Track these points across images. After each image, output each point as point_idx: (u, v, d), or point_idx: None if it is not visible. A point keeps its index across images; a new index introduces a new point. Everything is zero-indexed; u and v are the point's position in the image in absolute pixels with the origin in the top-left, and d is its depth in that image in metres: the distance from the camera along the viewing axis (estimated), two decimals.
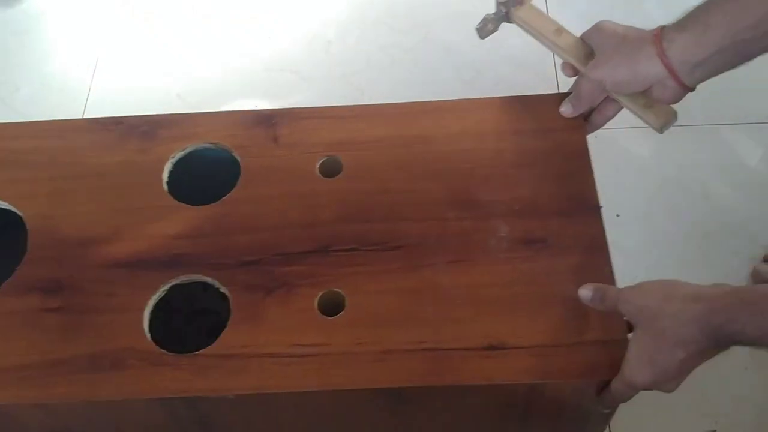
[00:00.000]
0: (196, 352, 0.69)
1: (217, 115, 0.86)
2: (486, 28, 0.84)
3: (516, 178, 0.78)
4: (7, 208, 0.80)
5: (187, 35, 1.59)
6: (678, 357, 0.60)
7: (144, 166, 0.82)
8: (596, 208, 0.76)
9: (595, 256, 0.73)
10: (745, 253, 1.21)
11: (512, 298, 0.71)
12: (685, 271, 1.19)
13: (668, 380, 0.63)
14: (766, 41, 0.69)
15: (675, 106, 0.77)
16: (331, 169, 0.81)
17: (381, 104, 0.86)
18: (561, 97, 0.83)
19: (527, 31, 0.83)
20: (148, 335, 0.71)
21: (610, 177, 1.30)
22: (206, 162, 0.84)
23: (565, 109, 0.81)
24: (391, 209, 0.77)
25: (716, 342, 0.60)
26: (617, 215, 1.26)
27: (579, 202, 0.76)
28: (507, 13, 0.83)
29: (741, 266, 1.19)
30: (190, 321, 0.90)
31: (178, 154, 0.83)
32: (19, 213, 0.79)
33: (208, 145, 0.83)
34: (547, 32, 0.82)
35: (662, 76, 0.72)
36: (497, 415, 0.75)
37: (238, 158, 0.82)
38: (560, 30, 0.82)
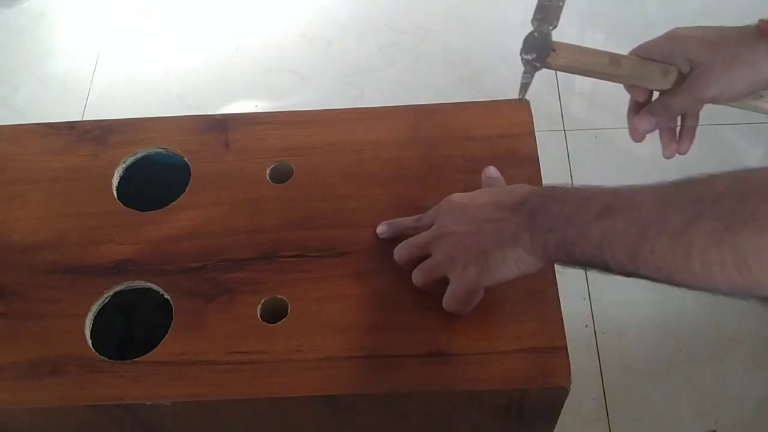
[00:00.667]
0: (135, 359, 0.69)
1: (169, 119, 0.86)
2: (526, 89, 0.76)
3: (465, 185, 0.78)
4: None
5: (187, 36, 1.60)
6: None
7: (94, 171, 0.82)
8: None
9: None
10: None
11: None
12: None
13: None
14: None
15: None
16: (281, 175, 0.81)
17: (335, 109, 0.86)
18: (516, 103, 0.82)
19: (576, 72, 0.74)
20: (90, 342, 0.71)
21: (610, 177, 1.30)
22: (158, 167, 0.84)
23: (647, 126, 0.74)
24: (339, 215, 0.77)
25: None
26: None
27: None
28: (540, 66, 0.74)
29: None
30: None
31: (129, 159, 0.83)
32: None
33: (159, 150, 0.83)
34: (600, 68, 0.72)
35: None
36: (440, 421, 0.74)
37: (189, 163, 0.81)
38: (615, 58, 0.72)
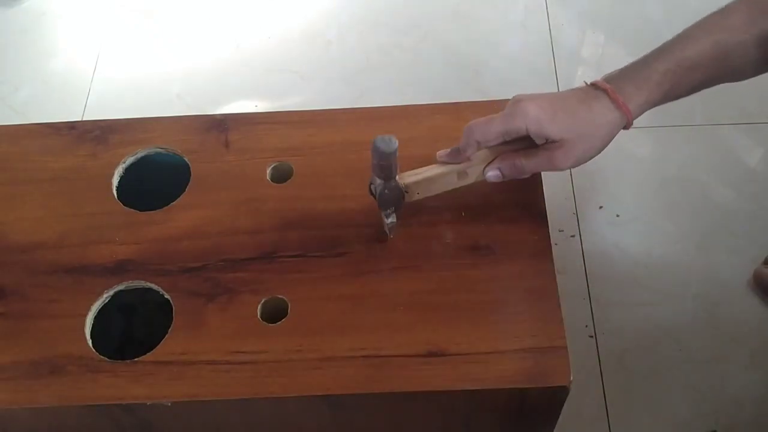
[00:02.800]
0: (135, 359, 0.69)
1: (169, 119, 0.86)
2: (394, 228, 0.74)
3: (464, 186, 0.78)
4: None
5: (187, 36, 1.60)
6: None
7: (95, 171, 0.82)
8: (542, 215, 0.75)
9: (539, 262, 0.72)
10: (745, 253, 1.20)
11: (454, 305, 0.70)
12: (686, 271, 1.20)
13: None
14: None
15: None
16: (281, 175, 0.81)
17: (335, 109, 0.86)
18: None
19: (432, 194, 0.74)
20: (90, 341, 0.71)
21: (610, 177, 1.31)
22: (158, 167, 0.84)
23: (493, 179, 0.72)
24: (339, 215, 0.77)
25: None
26: (617, 215, 1.26)
27: (526, 210, 0.76)
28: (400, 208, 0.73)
29: (741, 266, 1.19)
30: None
31: (130, 159, 0.83)
32: None
33: (159, 150, 0.83)
34: (452, 185, 0.73)
35: (620, 126, 0.71)
36: (439, 421, 0.74)
37: (189, 163, 0.81)
38: (463, 173, 0.72)
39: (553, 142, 0.69)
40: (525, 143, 0.71)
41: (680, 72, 0.70)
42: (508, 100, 0.82)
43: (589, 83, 0.72)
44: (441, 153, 0.73)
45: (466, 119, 0.82)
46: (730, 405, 1.09)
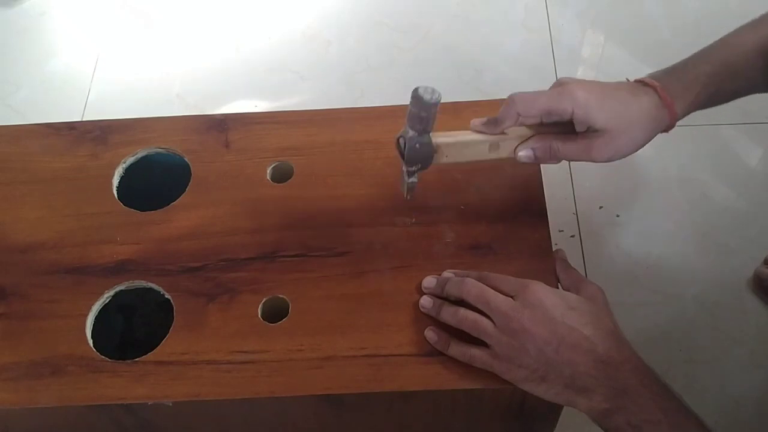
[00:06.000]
0: (136, 359, 0.69)
1: (169, 119, 0.86)
2: (413, 190, 0.72)
3: (464, 184, 0.78)
4: None
5: (187, 35, 1.60)
6: None
7: (95, 171, 0.82)
8: (543, 214, 0.75)
9: (540, 261, 0.72)
10: (745, 253, 1.20)
11: None
12: (686, 271, 1.20)
13: None
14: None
15: None
16: (282, 175, 0.81)
17: (335, 109, 0.86)
18: None
19: (459, 163, 0.70)
20: (90, 341, 0.71)
21: (610, 177, 1.31)
22: (158, 167, 0.84)
23: (525, 160, 0.69)
24: (339, 215, 0.77)
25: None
26: (617, 215, 1.26)
27: (526, 208, 0.76)
28: (425, 168, 0.69)
29: (741, 266, 1.19)
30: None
31: (130, 159, 0.83)
32: None
33: (159, 150, 0.83)
34: (482, 156, 0.70)
35: (663, 125, 0.69)
36: (440, 420, 0.74)
37: (189, 163, 0.81)
38: (495, 144, 0.69)
39: (595, 131, 0.66)
40: (563, 128, 0.67)
41: (724, 76, 0.69)
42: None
43: (633, 80, 0.69)
44: (476, 121, 0.68)
45: (466, 119, 0.82)
46: (730, 405, 1.09)
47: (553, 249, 0.73)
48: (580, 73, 1.43)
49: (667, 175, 1.31)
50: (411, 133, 0.67)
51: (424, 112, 0.65)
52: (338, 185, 0.79)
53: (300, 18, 1.61)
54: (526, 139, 0.68)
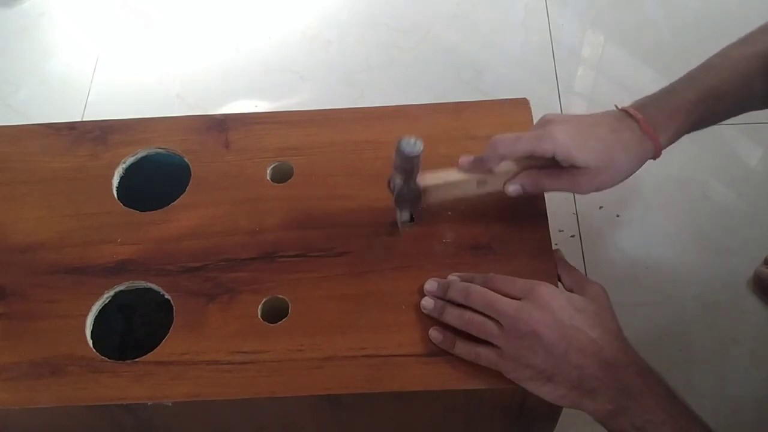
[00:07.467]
0: (136, 359, 0.69)
1: (169, 119, 0.86)
2: (408, 226, 0.75)
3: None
4: None
5: (187, 35, 1.60)
6: None
7: (95, 171, 0.82)
8: (543, 214, 0.75)
9: (540, 261, 0.72)
10: (745, 253, 1.20)
11: None
12: (686, 271, 1.20)
13: None
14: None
15: None
16: (282, 175, 0.81)
17: (335, 109, 0.86)
18: (516, 103, 0.82)
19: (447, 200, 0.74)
20: (90, 342, 0.71)
21: None
22: (158, 167, 0.84)
23: (513, 194, 0.71)
24: (340, 215, 0.77)
25: None
26: (617, 215, 1.26)
27: (526, 208, 0.76)
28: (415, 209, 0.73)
29: (741, 266, 1.19)
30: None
31: (130, 159, 0.83)
32: None
33: (159, 150, 0.83)
34: (471, 193, 0.72)
35: (648, 157, 0.71)
36: (440, 420, 0.74)
37: (189, 163, 0.81)
38: (482, 180, 0.71)
39: (578, 168, 0.68)
40: (549, 161, 0.70)
41: (709, 102, 0.70)
42: (509, 100, 0.82)
43: (620, 108, 0.71)
44: (463, 160, 0.72)
45: (466, 119, 0.82)
46: (730, 405, 1.09)
47: (553, 249, 0.73)
48: (580, 73, 1.43)
49: (667, 175, 1.31)
50: (398, 180, 0.69)
51: (407, 164, 0.67)
52: (338, 185, 0.79)
53: (300, 18, 1.61)
54: (514, 175, 0.71)
